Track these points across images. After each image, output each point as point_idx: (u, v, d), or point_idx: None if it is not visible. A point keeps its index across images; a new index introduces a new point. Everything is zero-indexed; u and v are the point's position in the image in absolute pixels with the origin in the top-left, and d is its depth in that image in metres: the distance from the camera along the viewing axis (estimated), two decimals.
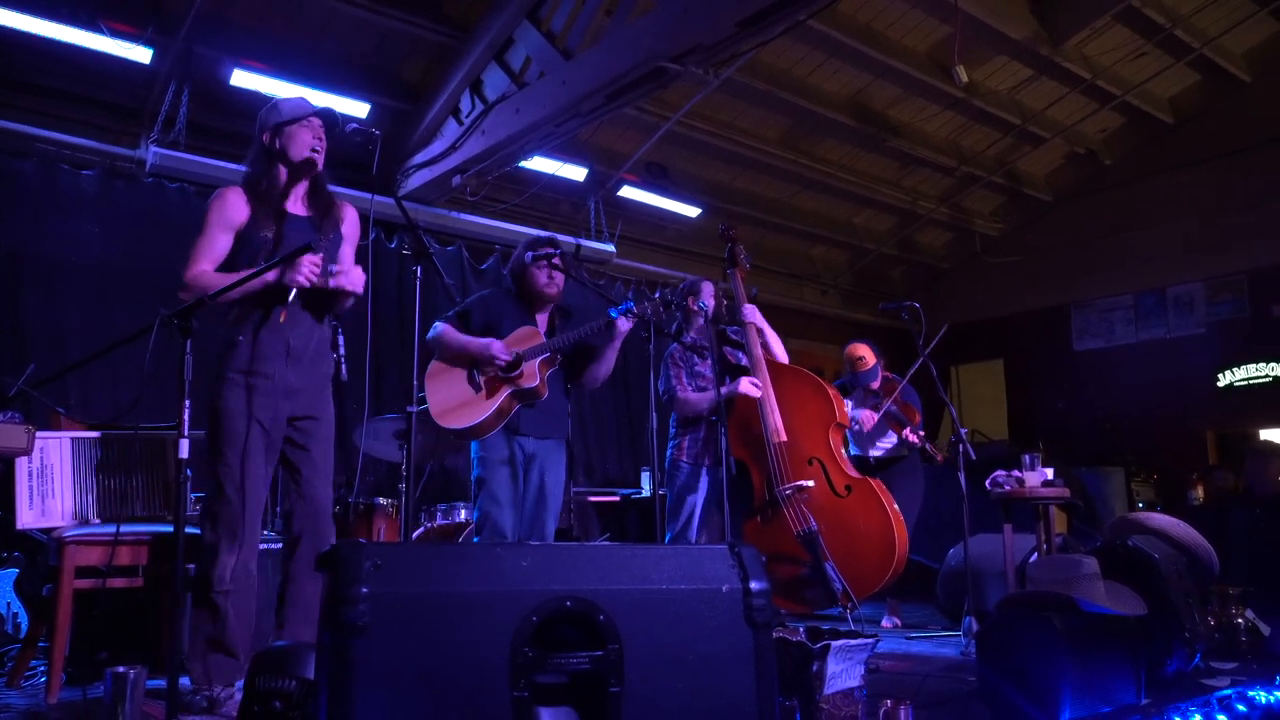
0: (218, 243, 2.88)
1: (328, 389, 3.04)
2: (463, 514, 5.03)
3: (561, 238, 7.39)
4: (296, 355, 2.90)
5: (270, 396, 2.86)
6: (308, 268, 2.82)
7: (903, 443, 5.15)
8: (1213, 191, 8.80)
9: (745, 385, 4.39)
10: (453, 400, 3.67)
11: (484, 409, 3.66)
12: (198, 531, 3.42)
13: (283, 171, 2.96)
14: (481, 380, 3.70)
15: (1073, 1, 7.35)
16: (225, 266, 2.87)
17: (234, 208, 2.89)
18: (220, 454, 2.83)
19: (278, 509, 4.37)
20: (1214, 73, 8.45)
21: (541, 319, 3.88)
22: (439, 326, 3.76)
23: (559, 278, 3.86)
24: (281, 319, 2.88)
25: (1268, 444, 5.51)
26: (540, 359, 3.72)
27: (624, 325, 3.80)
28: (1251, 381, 8.73)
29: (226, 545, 2.80)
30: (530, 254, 3.83)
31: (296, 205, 2.99)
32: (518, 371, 3.70)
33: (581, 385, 4.00)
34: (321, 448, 2.99)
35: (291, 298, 2.85)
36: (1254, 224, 8.57)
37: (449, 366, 3.73)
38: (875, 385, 5.22)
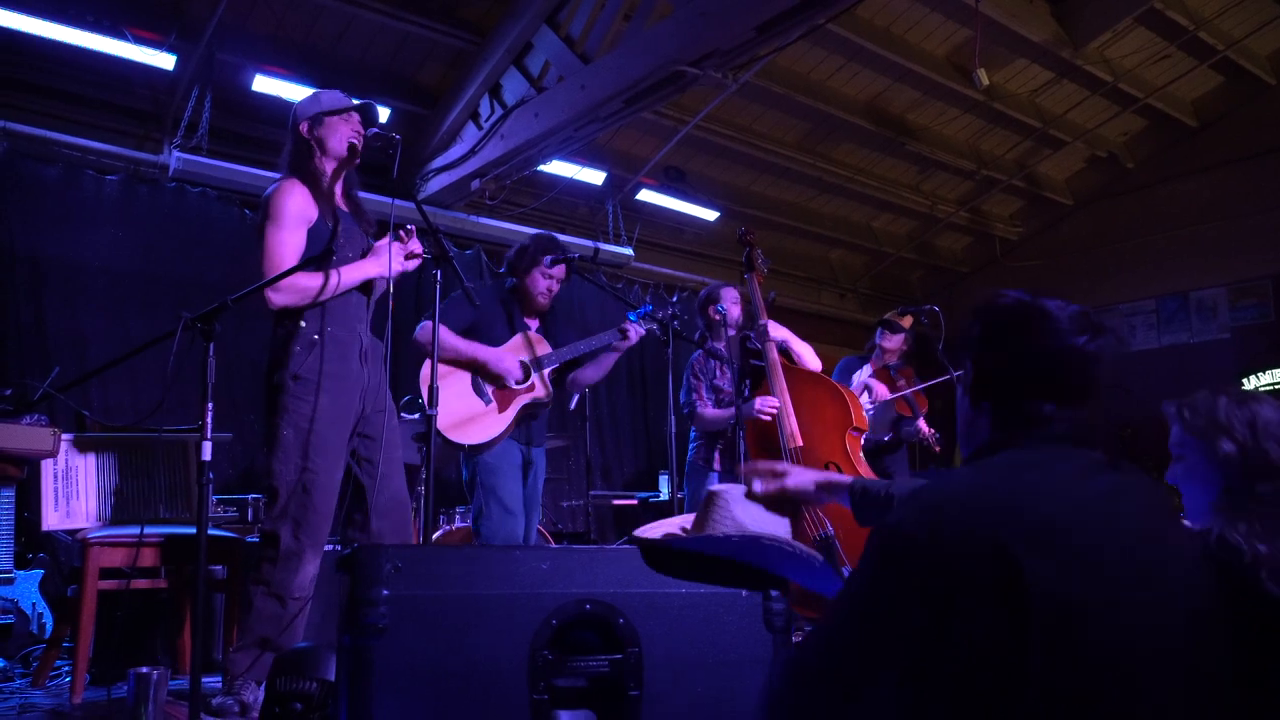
0: (298, 239, 2.80)
1: (386, 382, 3.01)
2: None
3: (579, 241, 7.46)
4: (365, 352, 2.88)
5: (350, 397, 2.81)
6: (399, 256, 2.85)
7: (896, 433, 5.21)
8: (1236, 195, 8.71)
9: (759, 406, 4.36)
10: (463, 413, 3.52)
11: (499, 424, 3.56)
12: (222, 534, 3.46)
13: (323, 161, 2.93)
14: (489, 390, 3.59)
15: (1094, 4, 7.29)
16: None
17: (305, 201, 2.84)
18: (307, 458, 2.72)
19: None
20: (1237, 75, 8.36)
21: (532, 322, 3.85)
22: (429, 327, 3.58)
23: (557, 290, 3.84)
24: (390, 306, 2.91)
25: None
26: (550, 369, 3.70)
27: (634, 337, 3.79)
28: (1276, 387, 8.63)
29: (311, 553, 2.72)
30: (547, 258, 3.76)
31: (339, 201, 2.99)
32: (529, 384, 3.65)
33: (564, 388, 3.92)
34: (390, 437, 2.92)
35: (390, 287, 2.90)
36: (1278, 228, 8.47)
37: (447, 370, 3.56)
38: (892, 350, 5.26)
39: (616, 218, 7.85)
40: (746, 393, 4.59)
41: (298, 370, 2.77)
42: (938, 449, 5.22)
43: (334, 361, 2.79)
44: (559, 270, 3.82)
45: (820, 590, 1.86)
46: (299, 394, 2.76)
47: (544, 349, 3.78)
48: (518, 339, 3.72)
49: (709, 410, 4.53)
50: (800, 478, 1.86)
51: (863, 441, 5.22)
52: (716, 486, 1.87)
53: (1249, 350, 8.79)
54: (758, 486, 1.85)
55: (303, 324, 2.80)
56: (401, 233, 2.92)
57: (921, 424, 5.16)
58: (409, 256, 2.93)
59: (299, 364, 2.77)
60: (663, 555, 1.79)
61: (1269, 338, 8.69)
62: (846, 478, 1.85)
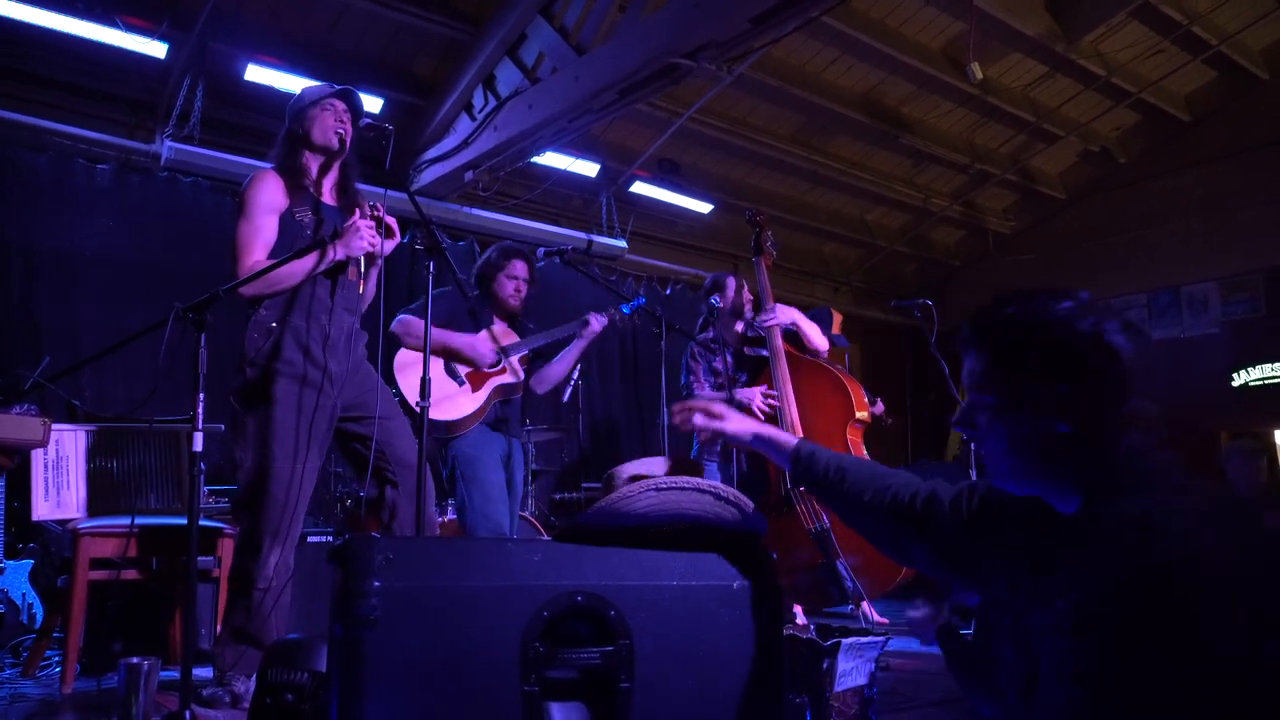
0: (267, 228, 2.81)
1: (366, 364, 3.01)
2: None
3: (573, 233, 7.46)
4: (334, 342, 2.87)
5: (315, 386, 2.80)
6: (367, 232, 2.81)
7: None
8: (1228, 190, 8.73)
9: (759, 400, 4.38)
10: (436, 392, 3.51)
11: (472, 402, 3.66)
12: (213, 525, 3.45)
13: (309, 155, 2.94)
14: (463, 373, 3.70)
15: None
16: (271, 253, 2.82)
17: (274, 191, 2.84)
18: (267, 447, 2.73)
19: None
20: (1231, 70, 8.38)
21: (500, 323, 3.91)
22: (406, 318, 3.71)
23: (525, 292, 3.89)
24: (357, 281, 2.89)
25: (1250, 443, 5.47)
26: (520, 355, 3.77)
27: (596, 326, 3.84)
28: (1267, 381, 8.67)
29: (270, 541, 2.73)
30: (505, 266, 3.86)
31: (327, 195, 2.98)
32: (500, 367, 3.72)
33: (533, 380, 3.98)
34: (383, 407, 2.92)
35: (364, 266, 2.87)
36: (1270, 222, 8.50)
37: (419, 356, 3.58)
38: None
39: (610, 210, 7.84)
40: (744, 381, 4.60)
41: (254, 357, 2.79)
42: (890, 420, 5.28)
43: (292, 349, 2.79)
44: (521, 269, 3.90)
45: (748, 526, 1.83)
46: (255, 380, 2.78)
47: (512, 338, 3.90)
48: (484, 333, 3.81)
49: (705, 393, 4.56)
50: (739, 425, 1.83)
51: None
52: (614, 469, 1.87)
53: (1240, 344, 8.83)
54: (697, 420, 1.82)
55: (262, 312, 2.81)
56: (368, 207, 2.89)
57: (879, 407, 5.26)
58: (384, 229, 2.89)
59: (255, 350, 2.79)
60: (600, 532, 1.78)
61: (1260, 332, 8.73)
62: (791, 438, 1.80)
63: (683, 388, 4.68)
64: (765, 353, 4.57)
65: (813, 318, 5.03)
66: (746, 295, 4.70)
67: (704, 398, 4.54)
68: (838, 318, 5.30)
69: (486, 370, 3.73)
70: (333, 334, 2.87)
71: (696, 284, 8.21)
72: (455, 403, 3.64)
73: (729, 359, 4.50)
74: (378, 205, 2.90)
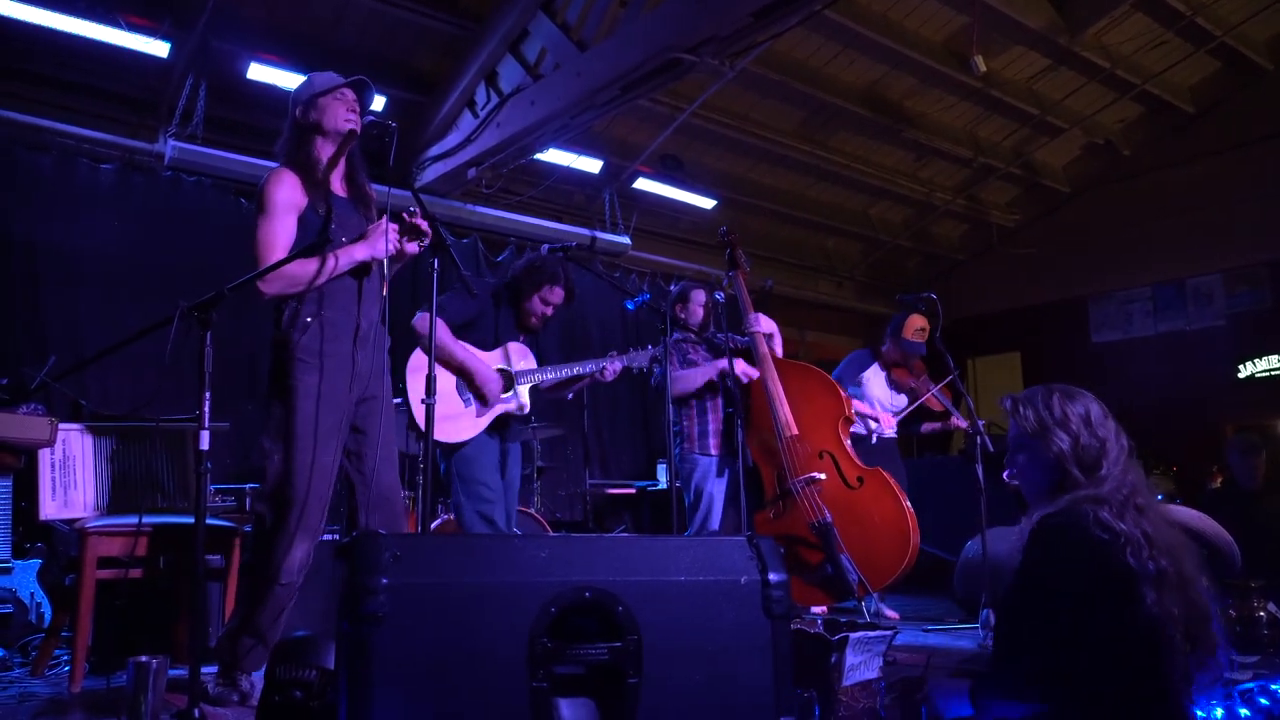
0: (288, 227, 2.79)
1: (387, 370, 2.99)
2: None
3: (576, 230, 7.45)
4: (364, 336, 2.86)
5: (341, 377, 2.79)
6: (392, 235, 2.82)
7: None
8: (1232, 182, 8.70)
9: (743, 367, 4.43)
10: (441, 411, 3.57)
11: (473, 428, 3.69)
12: (220, 523, 3.46)
13: (320, 145, 2.90)
14: (470, 395, 3.71)
15: None
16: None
17: (294, 188, 2.81)
18: (291, 438, 2.71)
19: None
20: (1235, 61, 8.35)
21: (518, 346, 3.94)
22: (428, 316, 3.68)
23: (550, 317, 3.95)
24: (384, 291, 2.90)
25: (1250, 437, 5.49)
26: (528, 384, 3.79)
27: (609, 376, 3.90)
28: (1272, 373, 8.65)
29: (300, 535, 2.70)
30: (545, 287, 3.85)
31: (337, 187, 2.95)
32: (511, 397, 3.76)
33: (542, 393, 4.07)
34: (386, 433, 2.89)
35: (388, 270, 2.88)
36: (1275, 214, 8.47)
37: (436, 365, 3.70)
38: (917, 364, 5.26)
39: (613, 206, 7.84)
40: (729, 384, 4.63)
41: (292, 349, 2.78)
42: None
43: (329, 341, 2.80)
44: (558, 296, 3.91)
45: None
46: (291, 372, 2.77)
47: (528, 362, 3.89)
48: (499, 351, 3.83)
49: (679, 370, 4.57)
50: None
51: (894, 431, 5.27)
52: None
53: (1245, 336, 8.81)
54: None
55: (298, 306, 2.81)
56: (405, 214, 2.90)
57: (957, 418, 5.22)
58: (411, 233, 2.89)
59: (293, 343, 2.79)
60: None
61: (1265, 324, 8.71)
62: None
63: (654, 381, 4.66)
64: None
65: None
66: (710, 309, 4.77)
67: (682, 377, 4.56)
68: (915, 322, 5.11)
69: (492, 399, 3.74)
70: (363, 326, 2.87)
71: (700, 280, 8.20)
72: (457, 424, 3.66)
73: (702, 350, 4.59)
74: (415, 212, 2.91)
